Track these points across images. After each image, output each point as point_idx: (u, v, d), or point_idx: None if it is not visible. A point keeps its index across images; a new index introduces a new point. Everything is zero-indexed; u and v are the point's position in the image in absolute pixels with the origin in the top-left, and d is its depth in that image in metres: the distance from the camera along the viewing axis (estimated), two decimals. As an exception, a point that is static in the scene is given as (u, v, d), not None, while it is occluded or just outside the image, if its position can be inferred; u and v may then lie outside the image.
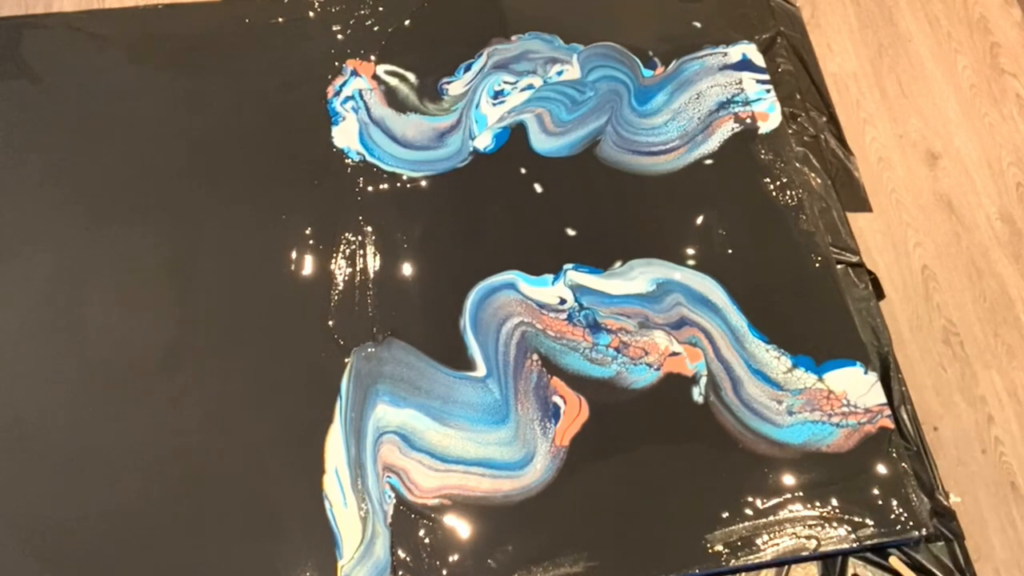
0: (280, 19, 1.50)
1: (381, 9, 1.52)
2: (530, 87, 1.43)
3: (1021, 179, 1.52)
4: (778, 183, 1.36)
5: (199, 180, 1.34)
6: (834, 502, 1.11)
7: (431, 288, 1.26)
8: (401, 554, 1.07)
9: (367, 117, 1.40)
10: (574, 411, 1.16)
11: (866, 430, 1.16)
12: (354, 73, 1.45)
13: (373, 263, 1.28)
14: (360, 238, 1.30)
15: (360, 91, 1.43)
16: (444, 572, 1.06)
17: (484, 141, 1.38)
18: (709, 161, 1.38)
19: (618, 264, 1.28)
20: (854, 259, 1.33)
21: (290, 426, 1.15)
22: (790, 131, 1.42)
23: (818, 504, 1.11)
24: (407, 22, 1.51)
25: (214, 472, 1.12)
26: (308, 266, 1.27)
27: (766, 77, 1.46)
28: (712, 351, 1.21)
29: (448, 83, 1.44)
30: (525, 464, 1.13)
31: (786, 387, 1.19)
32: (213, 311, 1.23)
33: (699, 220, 1.33)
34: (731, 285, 1.27)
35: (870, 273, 1.33)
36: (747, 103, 1.43)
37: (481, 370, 1.19)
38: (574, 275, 1.27)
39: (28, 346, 1.20)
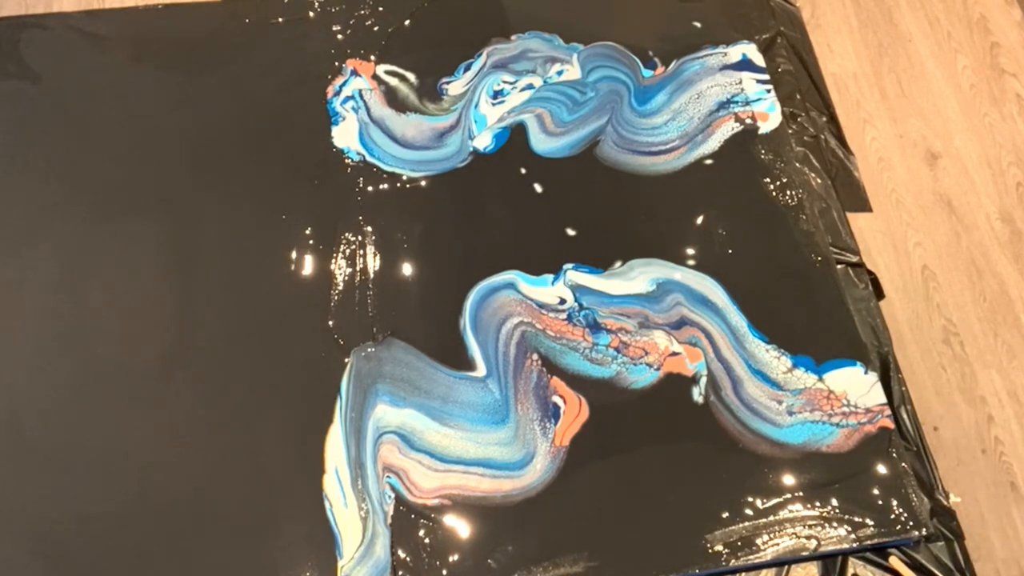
0: (280, 19, 1.50)
1: (381, 9, 1.52)
2: (530, 87, 1.43)
3: (1021, 179, 1.52)
4: (778, 183, 1.36)
5: (199, 180, 1.34)
6: (834, 502, 1.11)
7: (431, 288, 1.26)
8: (401, 554, 1.07)
9: (367, 117, 1.40)
10: (574, 411, 1.16)
11: (866, 430, 1.16)
12: (354, 73, 1.45)
13: (373, 263, 1.28)
14: (360, 238, 1.30)
15: (360, 91, 1.43)
16: (444, 572, 1.06)
17: (484, 141, 1.38)
18: (709, 161, 1.38)
19: (618, 264, 1.28)
20: (854, 259, 1.33)
21: (290, 426, 1.15)
22: (790, 131, 1.42)
23: (818, 504, 1.11)
24: (407, 22, 1.51)
25: (214, 472, 1.12)
26: (308, 266, 1.27)
27: (766, 77, 1.46)
28: (712, 351, 1.21)
29: (448, 83, 1.44)
30: (525, 464, 1.13)
31: (786, 387, 1.19)
32: (213, 311, 1.23)
33: (699, 220, 1.33)
34: (731, 285, 1.27)
35: (870, 273, 1.33)
36: (747, 103, 1.43)
37: (481, 370, 1.19)
38: (574, 275, 1.27)
39: (27, 346, 1.21)
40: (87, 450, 1.13)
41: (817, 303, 1.26)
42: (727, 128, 1.41)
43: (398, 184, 1.35)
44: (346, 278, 1.26)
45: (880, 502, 1.11)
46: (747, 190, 1.36)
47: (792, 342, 1.22)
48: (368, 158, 1.37)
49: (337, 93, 1.42)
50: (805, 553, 1.08)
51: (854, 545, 1.09)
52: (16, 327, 1.22)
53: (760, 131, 1.41)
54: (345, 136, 1.38)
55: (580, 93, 1.43)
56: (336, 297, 1.25)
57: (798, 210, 1.34)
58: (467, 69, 1.46)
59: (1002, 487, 1.25)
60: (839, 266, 1.30)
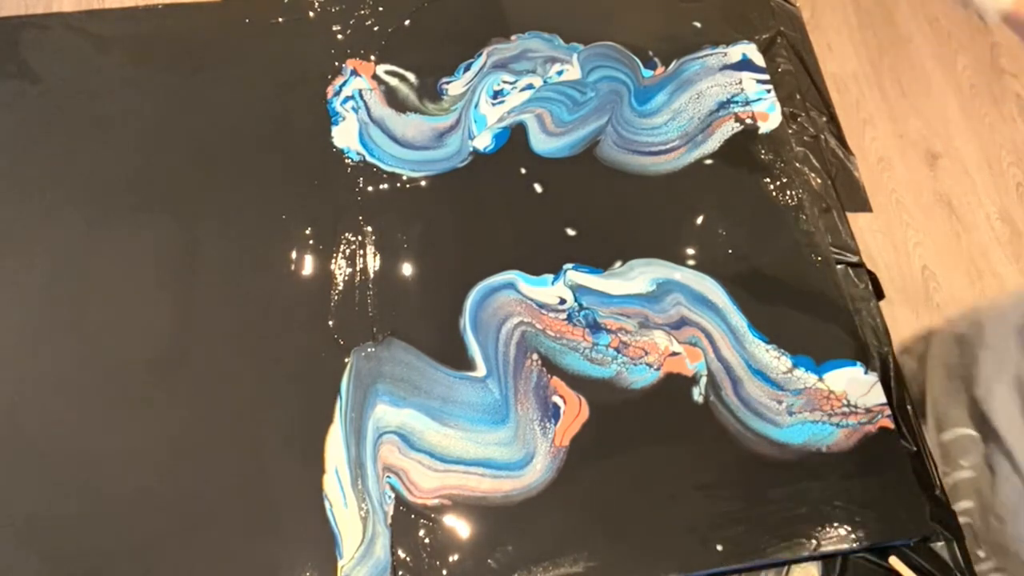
0: (280, 19, 1.50)
1: (381, 9, 1.52)
2: (530, 87, 1.43)
3: (1021, 179, 1.52)
4: (778, 183, 1.36)
5: (199, 180, 1.34)
6: (834, 502, 1.11)
7: (431, 288, 1.26)
8: (401, 554, 1.07)
9: (367, 117, 1.40)
10: (574, 411, 1.16)
11: (866, 430, 1.16)
12: (354, 73, 1.45)
13: (373, 263, 1.28)
14: (360, 238, 1.30)
15: (360, 91, 1.43)
16: (444, 572, 1.06)
17: (484, 141, 1.38)
18: (709, 161, 1.38)
19: (618, 264, 1.28)
20: (854, 259, 1.33)
21: (290, 426, 1.15)
22: (790, 131, 1.42)
23: (818, 504, 1.11)
24: (407, 22, 1.51)
25: (213, 472, 1.12)
26: (308, 266, 1.27)
27: (766, 77, 1.46)
28: (712, 351, 1.21)
29: (448, 83, 1.44)
30: (525, 464, 1.13)
31: (786, 387, 1.19)
32: (212, 311, 1.23)
33: (699, 220, 1.33)
34: (731, 285, 1.27)
35: (870, 273, 1.33)
36: (747, 103, 1.43)
37: (481, 370, 1.19)
38: (574, 275, 1.27)
39: (26, 346, 1.21)
40: (85, 450, 1.13)
41: (817, 303, 1.26)
42: (727, 128, 1.41)
43: (398, 184, 1.35)
44: (346, 278, 1.26)
45: (880, 502, 1.11)
46: (747, 190, 1.36)
47: (792, 342, 1.22)
48: (368, 158, 1.37)
49: (337, 93, 1.42)
50: (805, 553, 1.08)
51: (854, 545, 1.09)
52: (15, 327, 1.22)
53: (760, 131, 1.41)
54: (345, 136, 1.38)
55: (580, 93, 1.43)
56: (336, 297, 1.25)
57: (798, 210, 1.34)
58: (467, 69, 1.46)
59: (1002, 487, 1.25)
60: (839, 266, 1.30)
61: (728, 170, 1.37)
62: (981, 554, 1.19)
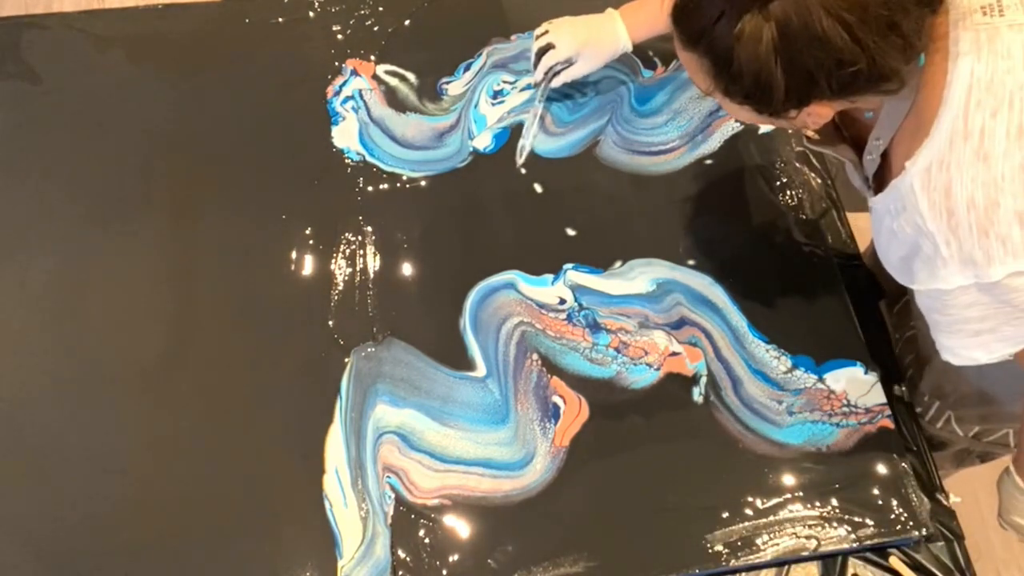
0: (280, 19, 1.50)
1: (381, 9, 1.52)
2: (530, 87, 1.43)
3: (1021, 179, 1.52)
4: (778, 183, 1.36)
5: (199, 180, 1.34)
6: (834, 502, 1.11)
7: (431, 288, 1.26)
8: (401, 554, 1.07)
9: (367, 117, 1.40)
10: (574, 411, 1.16)
11: (866, 430, 1.16)
12: (354, 73, 1.45)
13: (373, 263, 1.28)
14: (360, 238, 1.30)
15: (360, 91, 1.43)
16: (444, 572, 1.06)
17: (484, 141, 1.38)
18: (709, 161, 1.38)
19: (618, 264, 1.28)
20: (854, 259, 1.32)
21: (290, 426, 1.15)
22: (790, 131, 1.42)
23: (818, 504, 1.11)
24: (407, 22, 1.51)
25: (213, 472, 1.12)
26: (308, 266, 1.27)
27: (766, 77, 1.46)
28: (712, 351, 1.21)
29: (448, 83, 1.44)
30: (525, 464, 1.13)
31: (786, 387, 1.19)
32: (212, 311, 1.24)
33: (699, 220, 1.33)
34: (731, 285, 1.27)
35: (870, 273, 1.33)
36: (747, 103, 1.43)
37: (481, 370, 1.19)
38: (574, 275, 1.27)
39: (26, 345, 1.21)
40: (85, 450, 1.13)
41: (817, 303, 1.26)
42: (727, 128, 1.41)
43: (398, 184, 1.35)
44: (346, 278, 1.26)
45: (880, 502, 1.11)
46: (747, 190, 1.36)
47: (792, 342, 1.22)
48: (368, 158, 1.37)
49: (337, 93, 1.42)
50: (805, 553, 1.08)
51: (854, 545, 1.09)
52: (15, 327, 1.22)
53: (760, 131, 1.41)
54: (345, 136, 1.38)
55: (580, 93, 1.43)
56: (336, 297, 1.25)
57: (798, 210, 1.34)
58: (467, 69, 1.46)
59: (1002, 487, 1.25)
60: (839, 266, 1.30)
61: (728, 170, 1.37)
62: (926, 399, 1.24)
